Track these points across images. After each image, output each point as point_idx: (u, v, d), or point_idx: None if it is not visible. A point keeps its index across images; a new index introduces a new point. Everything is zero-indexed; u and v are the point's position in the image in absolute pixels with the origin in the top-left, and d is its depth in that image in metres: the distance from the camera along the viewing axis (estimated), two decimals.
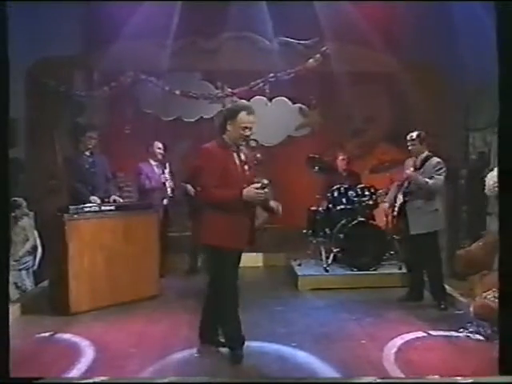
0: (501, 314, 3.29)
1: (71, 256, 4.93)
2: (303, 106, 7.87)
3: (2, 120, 3.14)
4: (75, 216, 4.98)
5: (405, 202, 5.15)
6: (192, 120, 7.68)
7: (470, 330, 4.29)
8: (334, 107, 7.59)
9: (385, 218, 6.24)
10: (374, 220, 6.46)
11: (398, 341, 4.12)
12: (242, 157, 3.71)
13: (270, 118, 7.37)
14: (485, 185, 4.37)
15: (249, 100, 6.94)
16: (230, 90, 7.49)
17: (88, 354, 3.91)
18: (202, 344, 4.00)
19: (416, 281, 5.38)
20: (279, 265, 6.93)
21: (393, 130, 7.67)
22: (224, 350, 3.87)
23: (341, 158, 6.88)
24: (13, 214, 5.60)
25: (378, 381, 3.52)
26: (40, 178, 6.87)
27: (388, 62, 7.21)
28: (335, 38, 7.18)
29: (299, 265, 6.37)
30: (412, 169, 5.13)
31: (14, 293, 5.60)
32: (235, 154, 3.69)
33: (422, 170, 5.14)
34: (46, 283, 5.58)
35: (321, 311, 5.08)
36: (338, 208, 6.37)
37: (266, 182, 3.58)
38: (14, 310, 4.81)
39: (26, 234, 5.69)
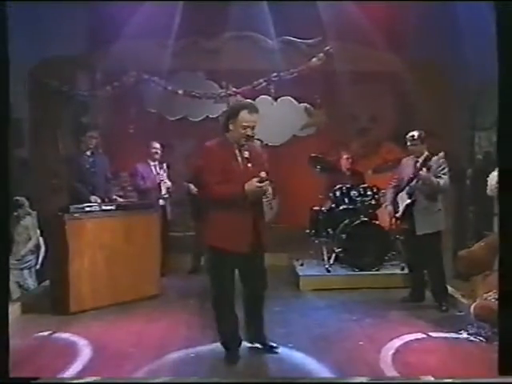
0: (500, 315, 3.25)
1: (72, 255, 4.94)
2: (308, 106, 7.84)
3: (2, 120, 3.15)
4: (76, 215, 5.00)
5: (413, 202, 5.08)
6: (198, 119, 7.69)
7: (471, 331, 4.24)
8: (338, 106, 7.56)
9: (388, 219, 6.21)
10: (377, 220, 6.42)
11: (397, 342, 4.09)
12: (246, 154, 3.65)
13: (275, 118, 7.35)
14: None
15: (254, 99, 6.91)
16: (234, 89, 7.49)
17: (85, 353, 3.92)
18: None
19: (418, 281, 5.34)
20: (281, 265, 6.90)
21: (397, 130, 7.62)
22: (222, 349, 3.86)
23: (345, 157, 6.85)
24: (15, 214, 5.66)
25: (375, 381, 3.51)
26: (43, 177, 6.91)
27: (392, 61, 7.17)
28: (339, 38, 7.17)
29: (301, 265, 6.35)
30: (425, 169, 4.97)
31: (16, 292, 5.65)
32: (238, 152, 3.65)
33: (425, 169, 5.08)
34: (48, 282, 5.60)
35: (321, 312, 5.05)
36: (341, 208, 6.34)
37: (263, 174, 3.51)
38: (14, 309, 4.85)
39: (29, 234, 5.73)
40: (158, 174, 6.45)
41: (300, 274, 6.06)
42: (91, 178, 5.71)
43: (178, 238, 7.24)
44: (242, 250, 3.60)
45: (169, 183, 6.49)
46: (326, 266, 6.08)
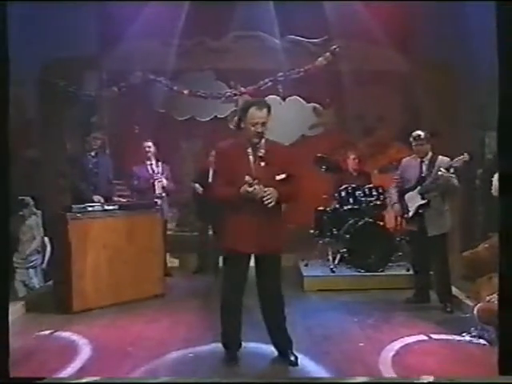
0: (500, 316, 3.19)
1: (74, 255, 4.97)
2: (317, 105, 7.80)
3: (2, 120, 3.17)
4: (78, 215, 5.03)
5: (428, 202, 5.01)
6: (206, 119, 7.69)
7: (473, 334, 4.19)
8: (346, 106, 7.52)
9: (393, 219, 6.16)
10: (383, 220, 6.36)
11: (397, 344, 4.04)
12: (260, 153, 3.56)
13: (284, 118, 7.31)
14: None
15: None
16: (242, 88, 7.49)
17: (84, 352, 3.93)
18: None
19: (423, 282, 5.28)
20: (287, 265, 6.84)
21: (406, 129, 7.55)
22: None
23: (351, 157, 6.80)
24: (20, 213, 5.71)
25: (375, 381, 3.48)
26: (50, 177, 6.97)
27: (401, 60, 7.12)
28: (345, 37, 7.13)
29: (306, 265, 6.33)
30: (444, 170, 4.86)
31: (21, 290, 5.72)
32: (251, 151, 3.58)
33: (435, 169, 4.99)
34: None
35: (323, 312, 5.01)
36: (346, 208, 6.29)
37: (247, 178, 3.43)
38: (18, 308, 4.90)
39: (33, 233, 5.78)
40: (153, 173, 6.35)
41: (304, 274, 6.03)
42: (93, 178, 5.73)
43: (185, 237, 7.28)
44: (249, 250, 3.58)
45: (165, 182, 6.37)
46: (331, 267, 6.05)
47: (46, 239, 5.95)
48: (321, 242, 6.45)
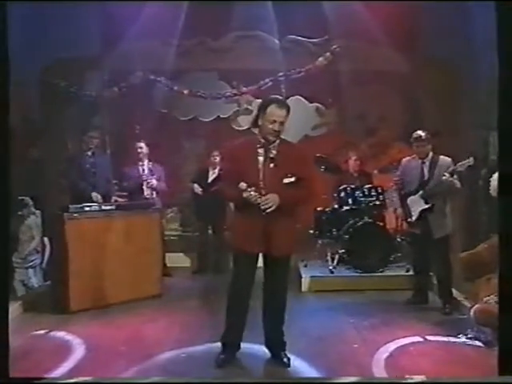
0: (500, 316, 3.16)
1: (71, 255, 4.98)
2: (320, 106, 7.78)
3: (2, 120, 3.17)
4: (75, 215, 5.04)
5: (432, 206, 4.95)
6: (209, 119, 7.68)
7: (470, 335, 4.15)
8: (348, 106, 7.49)
9: (394, 220, 6.13)
10: (383, 221, 6.33)
11: (392, 345, 4.01)
12: (272, 154, 3.50)
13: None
14: None
15: None
16: (244, 88, 7.47)
17: (78, 352, 3.94)
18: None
19: (423, 284, 5.25)
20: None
21: (408, 130, 7.50)
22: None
23: (353, 159, 6.76)
24: (19, 213, 5.72)
25: (371, 381, 3.46)
26: (51, 176, 7.00)
27: (404, 60, 7.07)
28: (347, 37, 7.10)
29: (305, 266, 6.30)
30: (448, 174, 4.81)
31: (20, 290, 5.72)
32: (263, 151, 3.52)
33: (436, 170, 4.95)
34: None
35: (319, 313, 5.00)
36: (345, 208, 6.26)
37: (242, 185, 3.39)
38: (15, 308, 4.90)
39: (32, 233, 5.78)
40: (143, 173, 6.28)
41: (303, 275, 5.99)
42: (91, 178, 5.73)
43: (190, 237, 7.28)
44: (256, 250, 3.55)
45: (155, 183, 6.28)
46: (330, 268, 6.02)
47: (46, 239, 5.97)
48: (320, 242, 6.42)
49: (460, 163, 4.82)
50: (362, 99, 7.44)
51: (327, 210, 6.39)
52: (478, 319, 4.05)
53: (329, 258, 6.15)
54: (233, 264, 3.79)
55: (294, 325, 4.45)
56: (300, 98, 7.69)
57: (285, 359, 3.68)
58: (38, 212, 5.87)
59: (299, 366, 3.67)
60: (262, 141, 3.53)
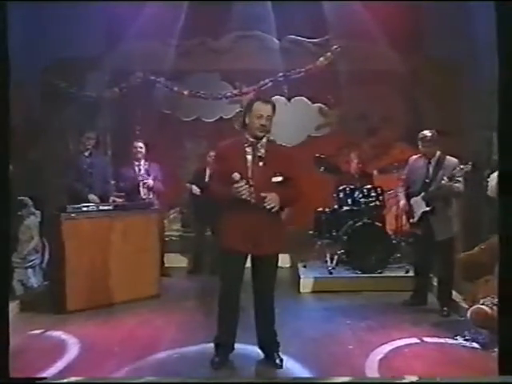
0: (500, 319, 3.13)
1: (68, 255, 4.98)
2: (323, 106, 7.75)
3: (2, 120, 3.18)
4: (73, 215, 5.04)
5: (433, 209, 4.92)
6: (211, 120, 7.68)
7: (467, 337, 4.11)
8: (350, 106, 7.46)
9: (394, 221, 6.09)
10: (384, 222, 6.29)
11: (387, 347, 3.98)
12: (260, 153, 3.52)
13: (290, 118, 7.27)
14: None
15: None
16: (246, 89, 7.46)
17: (72, 352, 3.94)
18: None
19: (422, 285, 5.20)
20: (286, 266, 6.83)
21: (410, 130, 7.47)
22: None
23: (355, 161, 6.72)
24: (19, 213, 5.74)
25: (367, 381, 3.43)
26: (51, 177, 7.01)
27: (406, 60, 7.03)
28: (347, 37, 7.07)
29: (304, 266, 6.27)
30: (446, 179, 4.78)
31: (19, 290, 5.73)
32: (250, 150, 3.53)
33: (441, 172, 4.90)
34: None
35: (316, 314, 4.99)
36: (344, 209, 6.23)
37: (234, 175, 3.39)
38: (13, 307, 4.89)
39: (31, 233, 5.80)
40: (140, 173, 6.25)
41: (301, 275, 5.97)
42: (88, 179, 5.73)
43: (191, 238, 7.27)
44: (244, 250, 3.54)
45: (151, 183, 6.23)
46: (329, 268, 6.00)
47: (45, 239, 5.98)
48: (319, 243, 6.40)
49: (457, 169, 4.79)
50: (364, 99, 7.42)
51: (326, 210, 6.36)
52: (474, 321, 4.03)
53: (328, 258, 6.12)
54: (220, 264, 3.76)
55: (289, 326, 4.47)
56: (303, 98, 7.68)
57: (277, 360, 3.66)
58: (37, 212, 5.88)
59: (292, 367, 3.65)
60: (251, 140, 3.55)
